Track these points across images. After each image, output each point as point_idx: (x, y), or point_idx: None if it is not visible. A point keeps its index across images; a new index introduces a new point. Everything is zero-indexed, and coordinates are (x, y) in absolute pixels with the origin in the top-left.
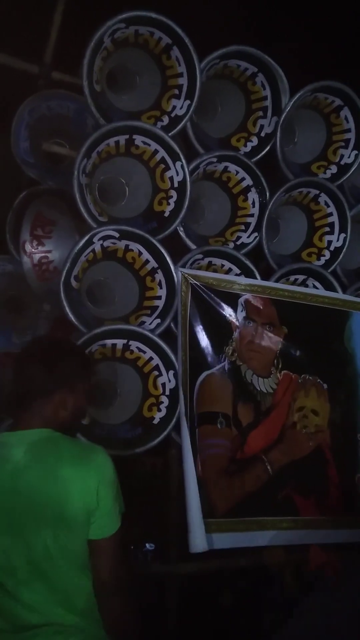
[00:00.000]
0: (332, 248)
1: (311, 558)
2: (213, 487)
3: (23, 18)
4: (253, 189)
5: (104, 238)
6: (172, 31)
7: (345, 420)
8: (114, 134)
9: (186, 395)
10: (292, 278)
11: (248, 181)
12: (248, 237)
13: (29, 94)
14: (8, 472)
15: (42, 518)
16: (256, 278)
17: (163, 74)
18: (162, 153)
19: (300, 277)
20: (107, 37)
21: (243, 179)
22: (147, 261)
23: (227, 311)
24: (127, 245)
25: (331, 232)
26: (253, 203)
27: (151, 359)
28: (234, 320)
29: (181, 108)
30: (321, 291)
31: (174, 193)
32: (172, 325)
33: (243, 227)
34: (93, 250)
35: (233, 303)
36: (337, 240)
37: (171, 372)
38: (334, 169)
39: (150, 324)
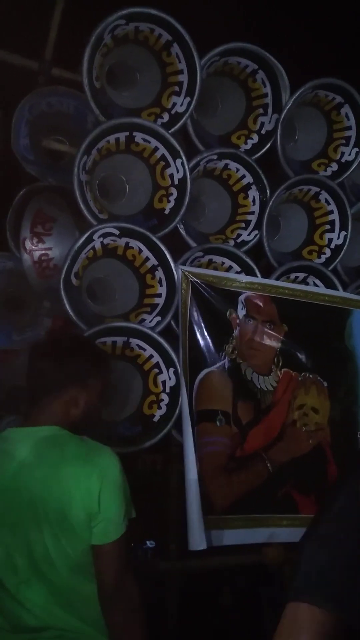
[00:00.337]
0: (332, 246)
1: None
2: (210, 484)
3: (23, 15)
4: (253, 187)
5: (104, 235)
6: (172, 28)
7: (346, 418)
8: (114, 131)
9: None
10: (292, 276)
11: (248, 179)
12: (248, 234)
13: (28, 91)
14: (12, 469)
15: (43, 517)
16: (257, 276)
17: (163, 71)
18: (162, 150)
19: (301, 275)
20: (107, 34)
21: (243, 176)
22: (147, 259)
23: (228, 309)
24: (127, 243)
25: (332, 230)
26: (253, 201)
27: (151, 356)
28: (234, 318)
29: (181, 105)
30: (322, 289)
31: (174, 190)
32: (172, 323)
33: (243, 225)
34: (93, 248)
35: (233, 301)
36: (338, 238)
37: (171, 370)
38: (334, 166)
39: (150, 321)
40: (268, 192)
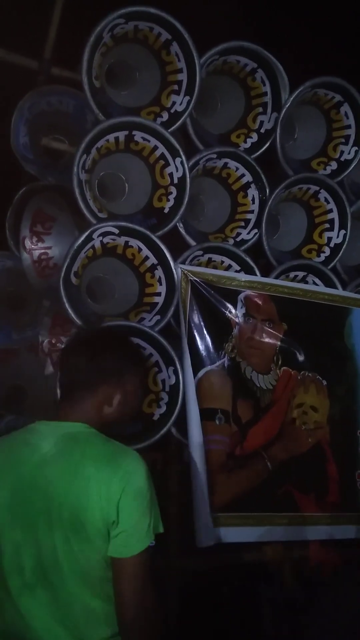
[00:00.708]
0: (332, 244)
1: (311, 554)
2: (210, 483)
3: (22, 13)
4: (253, 186)
5: (104, 234)
6: (171, 27)
7: (345, 417)
8: (114, 130)
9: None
10: (292, 275)
11: (248, 177)
12: (248, 233)
13: (28, 90)
14: (32, 462)
15: (57, 517)
16: (256, 275)
17: (162, 70)
18: (161, 149)
19: (300, 274)
20: (107, 33)
21: (243, 175)
22: (146, 257)
23: (227, 308)
24: (126, 242)
25: (331, 229)
26: (253, 199)
27: (151, 355)
28: (234, 317)
29: (181, 104)
30: (321, 288)
31: (173, 189)
32: (172, 321)
33: (243, 224)
34: (93, 247)
35: (233, 300)
36: (337, 236)
37: (171, 369)
38: (334, 165)
39: (150, 320)
40: (267, 190)
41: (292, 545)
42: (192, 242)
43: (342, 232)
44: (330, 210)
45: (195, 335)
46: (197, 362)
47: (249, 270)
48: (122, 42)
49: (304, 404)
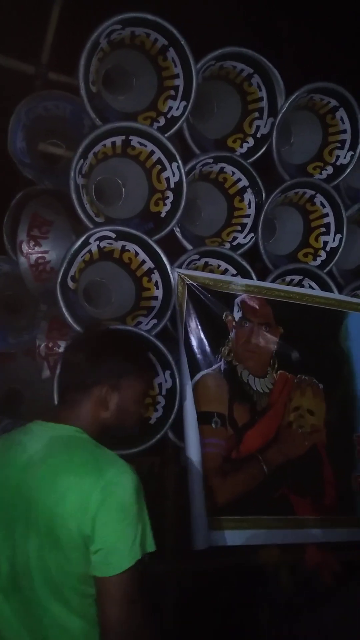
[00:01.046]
0: (328, 248)
1: (307, 557)
2: (206, 486)
3: (20, 19)
4: (249, 190)
5: (101, 239)
6: (168, 32)
7: (341, 420)
8: (111, 135)
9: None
10: (288, 278)
11: (244, 182)
12: (244, 237)
13: (25, 95)
14: (20, 462)
15: (33, 523)
16: (252, 278)
17: (159, 75)
18: (158, 154)
19: (297, 278)
20: (104, 38)
21: (239, 179)
22: (143, 262)
23: (224, 311)
24: (123, 246)
25: (327, 233)
26: (249, 204)
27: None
28: (230, 321)
29: (177, 109)
30: (317, 291)
31: (170, 194)
32: (168, 325)
33: (239, 228)
34: (90, 251)
35: (229, 303)
36: (333, 240)
37: (167, 372)
38: (329, 169)
39: (146, 324)
40: (264, 195)
41: (289, 548)
42: (189, 246)
43: (338, 236)
44: (326, 215)
45: (191, 339)
46: (194, 366)
47: (245, 274)
48: (119, 47)
49: (301, 407)
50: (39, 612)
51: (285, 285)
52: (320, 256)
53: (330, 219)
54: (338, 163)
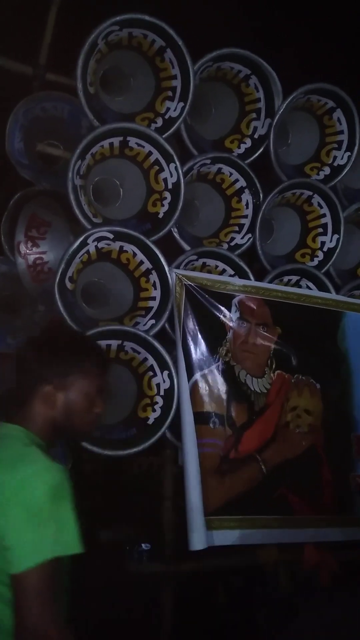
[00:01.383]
0: (325, 249)
1: (306, 557)
2: (205, 486)
3: (17, 20)
4: (247, 191)
5: (99, 239)
6: (165, 34)
7: (339, 420)
8: (108, 136)
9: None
10: (285, 279)
11: (242, 183)
12: (242, 238)
13: (23, 96)
14: None
15: None
16: (250, 279)
17: (157, 76)
18: (156, 155)
19: (294, 278)
20: (101, 40)
21: (237, 180)
22: (141, 262)
23: (221, 312)
24: (121, 247)
25: (324, 233)
26: (247, 204)
27: (145, 359)
28: (228, 321)
29: (175, 110)
30: (314, 292)
31: (168, 194)
32: (166, 326)
33: (237, 228)
34: (87, 252)
35: (227, 304)
36: (330, 241)
37: (165, 373)
38: (327, 170)
39: (144, 324)
40: (261, 195)
41: (287, 548)
42: (187, 247)
43: (335, 236)
44: (324, 215)
45: (189, 339)
46: (192, 366)
47: (243, 275)
48: (116, 48)
49: (298, 407)
50: None
51: (283, 286)
52: (317, 256)
53: (328, 219)
54: (335, 164)
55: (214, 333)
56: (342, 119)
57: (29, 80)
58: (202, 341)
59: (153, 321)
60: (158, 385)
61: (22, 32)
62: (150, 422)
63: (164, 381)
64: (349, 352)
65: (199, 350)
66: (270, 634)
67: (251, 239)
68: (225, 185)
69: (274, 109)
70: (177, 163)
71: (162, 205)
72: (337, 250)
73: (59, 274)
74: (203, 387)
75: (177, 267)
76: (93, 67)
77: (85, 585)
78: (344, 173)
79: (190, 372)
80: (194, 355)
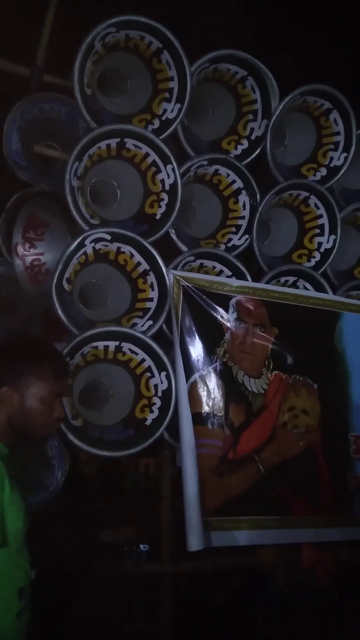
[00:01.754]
0: (322, 249)
1: (304, 557)
2: (203, 487)
3: (15, 21)
4: (244, 192)
5: (96, 240)
6: (162, 35)
7: (336, 420)
8: (105, 137)
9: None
10: (282, 279)
11: (239, 184)
12: (239, 239)
13: (20, 97)
14: None
15: None
16: (247, 280)
17: (154, 78)
18: (153, 156)
19: (291, 279)
20: (98, 41)
21: (234, 181)
22: (138, 263)
23: (219, 313)
24: (118, 248)
25: (321, 234)
26: (244, 205)
27: (143, 360)
28: (226, 322)
29: (172, 111)
30: (312, 292)
31: (165, 196)
32: (164, 327)
33: (234, 229)
34: (85, 253)
35: (224, 305)
36: (327, 241)
37: (163, 374)
38: (323, 171)
39: (142, 325)
40: (258, 196)
41: (286, 548)
42: (184, 248)
43: (332, 237)
44: (320, 216)
45: (187, 340)
46: (189, 367)
47: (240, 276)
48: (113, 50)
49: (295, 408)
50: None
51: (280, 287)
52: (314, 257)
53: (325, 220)
54: (332, 165)
55: (211, 334)
56: (339, 120)
57: (26, 82)
58: (199, 342)
59: (151, 322)
60: (156, 386)
61: (19, 34)
62: (148, 423)
63: (162, 382)
64: (346, 353)
65: (196, 351)
66: (268, 634)
67: (248, 240)
68: (222, 187)
69: (270, 110)
70: (174, 164)
71: (160, 206)
72: (334, 251)
73: (57, 275)
74: (201, 387)
75: (175, 268)
76: (90, 68)
77: (84, 585)
78: (340, 174)
79: (188, 373)
80: (191, 356)
